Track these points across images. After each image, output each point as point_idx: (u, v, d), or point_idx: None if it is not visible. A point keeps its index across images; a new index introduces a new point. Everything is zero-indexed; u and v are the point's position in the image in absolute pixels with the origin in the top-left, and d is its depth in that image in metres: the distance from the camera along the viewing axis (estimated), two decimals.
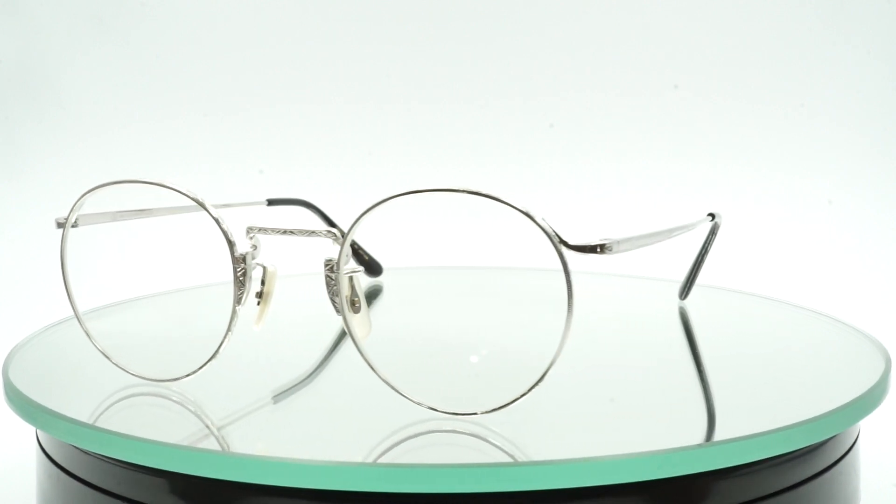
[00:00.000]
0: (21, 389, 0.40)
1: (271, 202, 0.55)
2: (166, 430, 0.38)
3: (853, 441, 0.41)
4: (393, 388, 0.38)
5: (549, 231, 0.36)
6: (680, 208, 0.77)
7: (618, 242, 0.36)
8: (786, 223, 0.77)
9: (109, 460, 0.37)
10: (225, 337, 0.39)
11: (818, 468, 0.39)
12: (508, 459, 0.35)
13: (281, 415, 0.40)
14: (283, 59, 0.79)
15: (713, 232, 0.50)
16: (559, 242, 0.36)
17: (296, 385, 0.42)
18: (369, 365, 0.38)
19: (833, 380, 0.43)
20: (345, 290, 0.37)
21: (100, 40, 0.79)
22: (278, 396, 0.41)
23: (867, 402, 0.39)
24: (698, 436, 0.36)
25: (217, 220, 0.38)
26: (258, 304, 0.39)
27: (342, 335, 0.46)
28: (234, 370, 0.44)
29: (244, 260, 0.38)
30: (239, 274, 0.38)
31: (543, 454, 0.34)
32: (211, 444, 0.37)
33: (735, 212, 0.77)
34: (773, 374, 0.44)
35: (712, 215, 0.49)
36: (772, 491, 0.37)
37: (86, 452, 0.38)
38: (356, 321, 0.37)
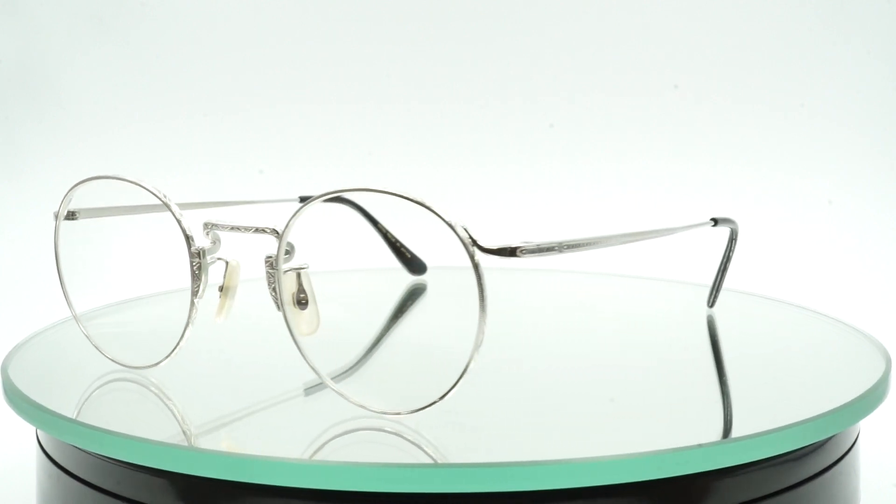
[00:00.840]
0: (21, 389, 0.40)
1: (303, 199, 0.55)
2: (166, 430, 0.38)
3: (853, 441, 0.41)
4: (324, 381, 0.38)
5: (463, 235, 0.36)
6: (680, 208, 0.77)
7: (534, 245, 0.37)
8: (786, 223, 0.77)
9: (109, 460, 0.37)
10: (186, 327, 0.41)
11: (818, 468, 0.39)
12: (427, 460, 0.35)
13: (281, 415, 0.40)
14: (283, 59, 0.80)
15: (732, 238, 0.49)
16: (472, 245, 0.36)
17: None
18: (306, 361, 0.38)
19: (833, 380, 0.43)
20: (291, 287, 0.38)
21: (100, 40, 0.79)
22: (309, 389, 0.42)
23: (867, 402, 0.39)
24: (698, 436, 0.36)
25: (178, 220, 0.40)
26: (219, 297, 0.40)
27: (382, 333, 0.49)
28: (235, 370, 0.45)
29: (199, 255, 0.39)
30: (195, 268, 0.39)
31: (543, 454, 0.34)
32: (211, 444, 0.37)
33: (735, 212, 0.77)
34: (773, 374, 0.44)
35: (715, 220, 0.48)
36: (772, 491, 0.37)
37: (86, 452, 0.38)
38: (302, 318, 0.38)
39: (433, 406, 0.37)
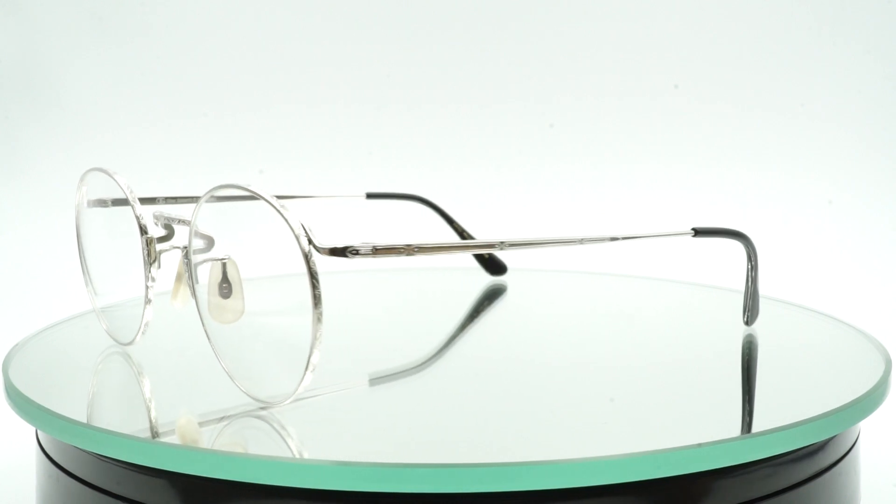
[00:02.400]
0: (21, 389, 0.40)
1: (370, 195, 0.55)
2: (167, 430, 0.38)
3: (853, 441, 0.41)
4: (227, 372, 0.39)
5: (299, 233, 0.36)
6: (680, 208, 0.77)
7: (366, 247, 0.37)
8: (786, 223, 0.77)
9: (109, 460, 0.37)
10: (144, 307, 0.43)
11: (818, 468, 0.39)
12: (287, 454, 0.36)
13: (282, 414, 0.40)
14: (284, 60, 0.80)
15: (749, 256, 0.47)
16: (308, 244, 0.36)
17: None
18: (212, 347, 0.40)
19: (833, 380, 0.43)
20: (216, 276, 0.40)
21: (100, 40, 0.79)
22: (375, 380, 0.42)
23: (867, 402, 0.39)
24: (698, 436, 0.36)
25: (136, 215, 0.43)
26: (174, 283, 0.43)
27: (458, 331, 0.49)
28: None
29: (148, 243, 0.43)
30: (145, 255, 0.43)
31: (543, 454, 0.34)
32: (210, 444, 0.37)
33: (735, 212, 0.77)
34: (772, 374, 0.44)
35: (695, 230, 0.46)
36: (772, 491, 0.37)
37: (86, 452, 0.38)
38: (223, 306, 0.40)
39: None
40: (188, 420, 0.39)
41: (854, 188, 0.77)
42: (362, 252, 0.37)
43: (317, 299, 0.36)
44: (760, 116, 0.78)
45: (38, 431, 0.41)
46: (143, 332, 0.44)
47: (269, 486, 0.34)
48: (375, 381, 0.43)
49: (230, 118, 0.79)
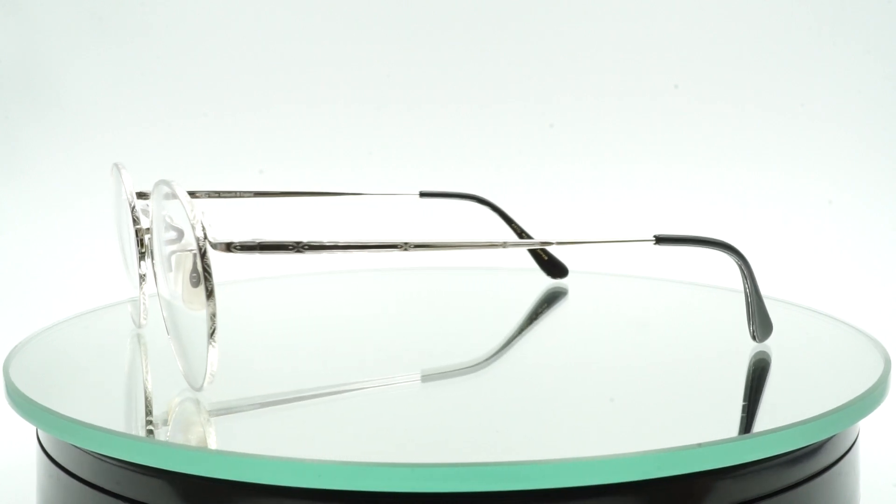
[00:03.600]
0: (21, 388, 0.40)
1: (424, 194, 0.55)
2: (167, 430, 0.38)
3: (853, 441, 0.41)
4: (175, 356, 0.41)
5: (200, 234, 0.37)
6: (680, 208, 0.77)
7: (254, 243, 0.38)
8: (786, 223, 0.77)
9: (109, 460, 0.37)
10: (140, 288, 0.45)
11: (818, 468, 0.39)
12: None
13: (281, 414, 0.40)
14: (284, 60, 0.80)
15: (743, 272, 0.45)
16: (203, 239, 0.37)
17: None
18: (166, 329, 0.41)
19: (833, 380, 0.43)
20: (188, 265, 0.41)
21: (100, 40, 0.79)
22: (427, 376, 0.43)
23: (867, 402, 0.39)
24: (698, 436, 0.36)
25: (132, 208, 0.44)
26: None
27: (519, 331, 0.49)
28: (240, 370, 0.45)
29: (138, 233, 0.44)
30: (138, 244, 0.45)
31: (543, 454, 0.35)
32: (210, 443, 0.37)
33: (735, 212, 0.77)
34: (772, 374, 0.44)
35: (657, 238, 0.43)
36: (772, 491, 0.37)
37: (86, 452, 0.38)
38: (191, 294, 0.40)
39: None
40: (187, 409, 0.39)
41: (854, 188, 0.77)
42: (247, 247, 0.38)
43: (210, 288, 0.37)
44: (760, 116, 0.78)
45: (39, 431, 0.41)
46: (145, 318, 0.46)
47: (270, 486, 0.34)
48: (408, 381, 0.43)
49: (230, 118, 0.79)
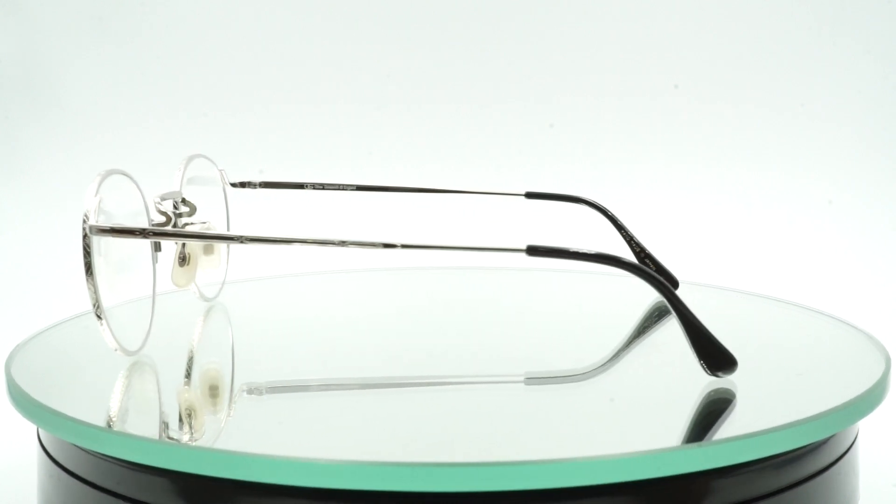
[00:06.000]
0: (23, 388, 0.40)
1: (530, 195, 0.56)
2: (167, 430, 0.38)
3: (852, 441, 0.41)
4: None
5: (86, 230, 0.40)
6: (680, 208, 0.77)
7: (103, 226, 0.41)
8: (786, 223, 0.77)
9: (110, 459, 0.37)
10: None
11: (818, 467, 0.39)
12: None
13: (281, 414, 0.40)
14: (284, 60, 0.80)
15: (668, 304, 0.41)
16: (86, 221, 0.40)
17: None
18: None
19: (833, 380, 0.43)
20: (176, 247, 0.46)
21: (100, 40, 0.79)
22: (531, 380, 0.42)
23: (867, 402, 0.39)
24: (697, 435, 0.36)
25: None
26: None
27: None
28: (240, 371, 0.45)
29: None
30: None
31: (543, 454, 0.35)
32: (210, 443, 0.37)
33: (735, 211, 0.77)
34: (772, 374, 0.44)
35: (531, 248, 0.40)
36: (772, 490, 0.37)
37: (86, 451, 0.38)
38: (179, 272, 0.46)
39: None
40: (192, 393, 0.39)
41: (854, 188, 0.77)
42: (97, 229, 0.40)
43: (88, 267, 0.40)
44: (760, 116, 0.78)
45: (40, 430, 0.41)
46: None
47: (270, 486, 0.34)
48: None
49: (230, 118, 0.79)
